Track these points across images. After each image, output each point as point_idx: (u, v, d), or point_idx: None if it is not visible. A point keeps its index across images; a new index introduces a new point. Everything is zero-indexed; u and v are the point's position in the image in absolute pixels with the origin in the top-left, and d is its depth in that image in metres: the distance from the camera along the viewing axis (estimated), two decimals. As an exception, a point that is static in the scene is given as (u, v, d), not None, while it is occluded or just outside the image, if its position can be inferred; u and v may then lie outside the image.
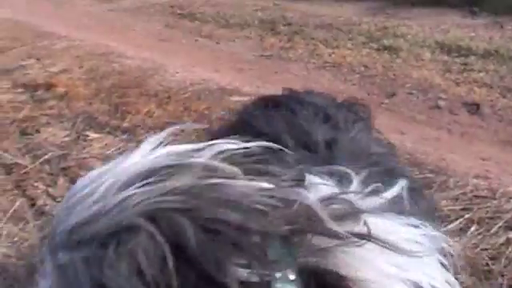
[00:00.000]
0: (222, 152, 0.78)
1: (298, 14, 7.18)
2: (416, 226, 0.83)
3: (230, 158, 0.78)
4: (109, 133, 3.93)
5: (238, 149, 0.80)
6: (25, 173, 3.44)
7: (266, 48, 5.99)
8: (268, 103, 1.52)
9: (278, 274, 0.67)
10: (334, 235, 0.71)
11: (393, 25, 6.62)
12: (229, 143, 0.81)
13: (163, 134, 0.91)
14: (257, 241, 0.68)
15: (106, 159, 3.50)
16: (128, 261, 0.66)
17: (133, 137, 3.81)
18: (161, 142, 0.88)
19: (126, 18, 8.34)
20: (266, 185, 0.74)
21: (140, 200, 0.71)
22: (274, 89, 4.49)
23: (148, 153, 0.83)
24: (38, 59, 6.17)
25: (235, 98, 4.29)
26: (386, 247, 0.74)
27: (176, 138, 0.91)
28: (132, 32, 7.35)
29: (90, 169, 2.81)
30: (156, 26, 7.54)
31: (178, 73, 5.13)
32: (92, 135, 3.93)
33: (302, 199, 0.74)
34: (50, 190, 3.23)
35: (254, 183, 0.74)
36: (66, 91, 4.81)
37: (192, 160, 0.76)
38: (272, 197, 0.73)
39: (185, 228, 0.67)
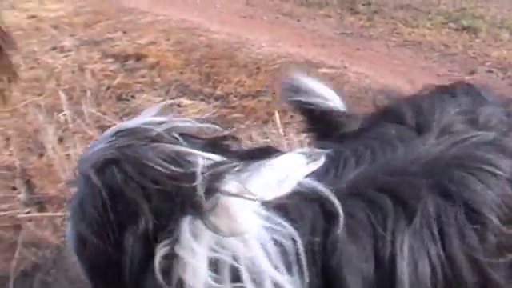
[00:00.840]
0: (174, 126, 1.03)
1: (376, -6, 7.26)
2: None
3: (175, 129, 1.01)
4: (202, 100, 4.16)
5: (190, 126, 1.05)
6: (124, 135, 3.70)
7: (346, 26, 6.11)
8: (444, 93, 1.53)
9: None
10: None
11: (471, 6, 6.65)
12: (185, 121, 1.04)
13: (157, 107, 1.15)
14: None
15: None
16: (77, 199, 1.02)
17: (226, 103, 4.02)
18: (152, 113, 1.12)
19: (206, -4, 8.58)
20: (181, 149, 0.99)
21: (100, 151, 1.02)
22: (358, 64, 4.68)
23: (133, 120, 1.09)
24: (124, 32, 6.47)
25: (323, 70, 4.47)
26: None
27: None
28: (213, 9, 7.57)
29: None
30: (236, 4, 7.74)
31: (263, 47, 5.33)
32: (186, 101, 4.17)
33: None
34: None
35: (175, 147, 1.01)
36: (157, 61, 5.07)
37: (143, 127, 1.02)
38: (176, 160, 0.99)
39: (114, 174, 0.97)
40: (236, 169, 0.98)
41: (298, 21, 6.50)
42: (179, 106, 4.10)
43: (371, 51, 5.22)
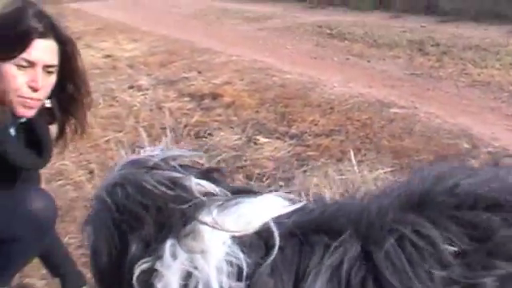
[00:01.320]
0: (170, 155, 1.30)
1: (445, 36, 7.38)
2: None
3: (171, 158, 1.28)
4: (278, 138, 4.36)
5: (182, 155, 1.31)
6: (203, 170, 3.90)
7: (415, 67, 6.25)
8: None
9: None
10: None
11: (539, 47, 6.72)
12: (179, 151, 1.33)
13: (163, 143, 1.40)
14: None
15: (277, 161, 3.95)
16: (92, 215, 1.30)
17: (301, 142, 4.21)
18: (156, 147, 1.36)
19: (276, 37, 8.89)
20: (175, 175, 1.24)
21: (110, 179, 1.29)
22: (428, 104, 4.80)
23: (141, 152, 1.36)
24: (199, 72, 6.79)
25: (394, 110, 4.62)
26: None
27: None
28: (285, 50, 7.86)
29: (264, 168, 3.27)
30: (307, 45, 8.01)
31: (335, 87, 5.53)
32: (262, 139, 4.37)
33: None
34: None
35: (170, 173, 1.24)
36: (233, 100, 5.31)
37: (144, 158, 1.30)
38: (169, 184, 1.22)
39: (119, 194, 1.23)
40: (217, 203, 1.20)
41: (368, 61, 6.68)
42: (255, 143, 4.30)
43: (441, 91, 5.32)
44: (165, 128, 4.58)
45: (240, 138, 4.42)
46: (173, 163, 1.28)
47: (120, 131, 4.70)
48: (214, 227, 1.15)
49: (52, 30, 1.97)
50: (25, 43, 1.91)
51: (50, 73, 2.00)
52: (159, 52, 8.40)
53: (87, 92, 2.18)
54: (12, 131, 2.11)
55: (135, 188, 1.23)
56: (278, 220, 1.18)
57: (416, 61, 6.49)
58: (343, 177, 3.19)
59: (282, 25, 9.98)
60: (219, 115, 4.99)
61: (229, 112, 5.04)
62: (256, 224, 1.17)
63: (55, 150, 2.33)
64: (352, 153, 3.58)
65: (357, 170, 3.17)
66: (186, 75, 6.71)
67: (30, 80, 1.94)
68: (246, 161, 3.97)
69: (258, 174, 3.68)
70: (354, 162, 3.30)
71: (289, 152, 4.08)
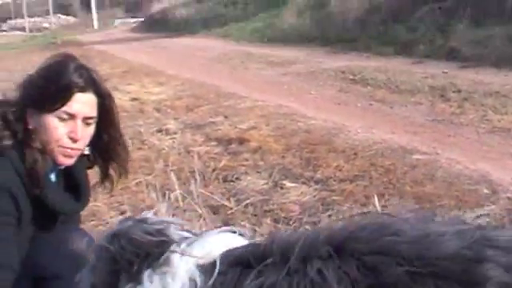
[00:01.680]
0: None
1: (466, 82, 7.53)
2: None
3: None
4: (303, 183, 4.50)
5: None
6: (231, 213, 4.00)
7: (437, 113, 6.39)
8: None
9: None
10: None
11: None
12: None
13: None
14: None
15: (303, 205, 4.10)
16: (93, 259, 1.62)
17: (326, 187, 4.35)
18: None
19: (300, 82, 9.11)
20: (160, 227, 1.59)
21: (114, 231, 1.60)
22: (449, 150, 4.94)
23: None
24: (225, 117, 7.00)
25: (416, 156, 4.76)
26: None
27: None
28: (309, 95, 8.06)
29: (291, 212, 3.43)
30: (330, 91, 8.21)
31: (359, 133, 5.69)
32: (288, 184, 4.52)
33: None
34: (257, 228, 3.71)
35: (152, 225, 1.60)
36: (259, 146, 5.49)
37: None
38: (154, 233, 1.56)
39: (114, 242, 1.54)
40: (187, 241, 1.53)
41: (391, 107, 6.85)
42: (282, 188, 4.45)
43: (462, 137, 5.45)
44: (193, 172, 4.74)
45: (267, 183, 4.56)
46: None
47: (150, 174, 4.85)
48: (182, 254, 1.47)
49: (92, 84, 2.10)
50: (66, 97, 2.04)
51: (88, 124, 2.13)
52: (185, 96, 8.64)
53: (122, 140, 2.33)
54: (52, 177, 2.22)
55: (126, 238, 1.55)
56: (230, 252, 1.48)
57: (438, 107, 6.63)
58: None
59: (305, 70, 10.22)
60: (246, 160, 5.14)
61: (255, 157, 5.20)
62: (214, 253, 1.47)
63: (103, 192, 2.52)
64: (376, 198, 3.73)
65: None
66: (212, 120, 6.91)
67: (70, 131, 2.07)
68: (273, 205, 4.10)
69: (285, 218, 3.81)
70: (378, 206, 3.43)
71: (314, 196, 4.22)
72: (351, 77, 8.88)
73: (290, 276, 1.31)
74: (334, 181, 4.44)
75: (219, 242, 1.54)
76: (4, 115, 2.09)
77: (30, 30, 44.84)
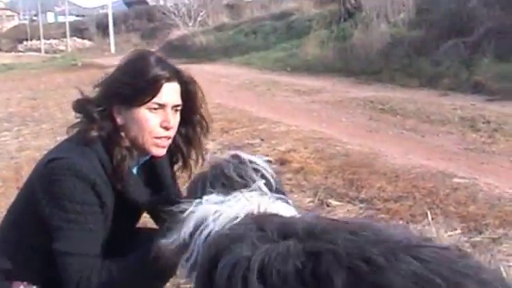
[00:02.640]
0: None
1: (494, 114, 7.75)
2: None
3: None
4: (348, 202, 4.73)
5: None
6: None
7: (468, 142, 6.62)
8: None
9: None
10: None
11: None
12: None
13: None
14: None
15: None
16: None
17: (371, 205, 4.58)
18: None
19: (329, 110, 9.37)
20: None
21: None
22: (485, 175, 5.17)
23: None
24: (262, 139, 7.24)
25: (456, 180, 4.99)
26: None
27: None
28: (340, 123, 8.31)
29: None
30: (360, 119, 8.46)
31: (396, 158, 5.93)
32: (334, 203, 4.76)
33: None
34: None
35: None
36: (301, 166, 5.73)
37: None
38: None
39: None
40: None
41: (423, 136, 7.09)
42: (328, 206, 4.69)
43: (495, 165, 5.66)
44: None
45: (312, 201, 4.80)
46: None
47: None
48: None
49: (176, 73, 2.17)
50: (156, 89, 2.09)
51: (176, 111, 2.19)
52: (218, 119, 8.84)
53: (207, 123, 2.35)
54: (134, 171, 2.26)
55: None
56: None
57: (468, 136, 6.86)
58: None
59: (333, 99, 10.48)
60: (289, 179, 5.36)
61: (298, 177, 5.43)
62: None
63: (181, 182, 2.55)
64: (429, 213, 3.96)
65: (433, 230, 3.52)
66: (249, 141, 7.16)
67: (163, 121, 2.13)
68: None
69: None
70: (430, 221, 3.66)
71: (361, 214, 4.45)
72: (380, 106, 9.12)
73: None
74: (379, 200, 4.67)
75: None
76: (90, 114, 2.15)
77: (46, 52, 45.42)
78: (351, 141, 6.90)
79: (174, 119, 2.18)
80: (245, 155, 1.97)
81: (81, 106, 2.20)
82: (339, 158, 6.04)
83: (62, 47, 46.67)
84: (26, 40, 56.10)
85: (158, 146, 2.18)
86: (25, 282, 2.23)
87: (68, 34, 48.50)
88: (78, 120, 2.20)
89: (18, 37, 58.77)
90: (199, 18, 35.24)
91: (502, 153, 6.10)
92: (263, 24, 24.43)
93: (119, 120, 2.14)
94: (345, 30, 17.06)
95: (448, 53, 11.64)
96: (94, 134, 2.10)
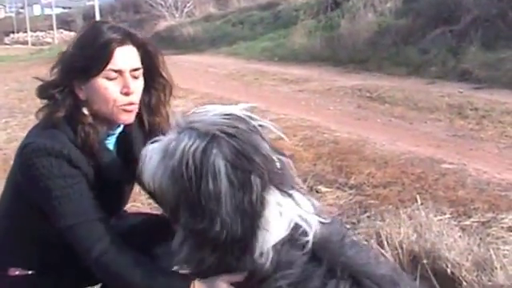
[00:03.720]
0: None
1: (482, 101, 7.76)
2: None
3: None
4: (338, 188, 4.74)
5: None
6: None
7: (456, 129, 6.65)
8: None
9: None
10: None
11: None
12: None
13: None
14: None
15: (341, 207, 4.34)
16: None
17: (360, 191, 4.59)
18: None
19: (317, 99, 9.34)
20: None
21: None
22: (473, 162, 5.19)
23: None
24: (252, 128, 7.22)
25: (445, 166, 5.01)
26: None
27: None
28: (327, 111, 8.31)
29: (330, 213, 3.60)
30: (348, 107, 8.46)
31: (384, 145, 5.94)
32: (323, 189, 4.76)
33: None
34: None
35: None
36: (290, 154, 5.71)
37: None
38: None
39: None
40: None
41: (411, 123, 7.10)
42: (317, 192, 4.68)
43: (483, 151, 5.68)
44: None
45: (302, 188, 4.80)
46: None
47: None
48: None
49: (129, 36, 2.08)
50: (107, 54, 2.01)
51: (136, 77, 2.10)
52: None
53: (171, 85, 2.25)
54: (110, 144, 2.22)
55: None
56: None
57: (457, 123, 6.89)
58: (412, 221, 3.52)
59: (320, 87, 10.45)
60: (278, 167, 5.36)
61: (287, 164, 5.42)
62: None
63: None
64: (418, 196, 3.97)
65: (423, 214, 3.51)
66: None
67: (122, 87, 2.05)
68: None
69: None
70: (419, 205, 3.66)
71: (350, 200, 4.47)
72: (368, 94, 9.12)
73: None
74: (368, 186, 4.68)
75: None
76: (51, 96, 2.10)
77: (33, 44, 45.06)
78: (339, 128, 6.91)
79: (135, 84, 2.10)
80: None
81: (43, 90, 2.14)
82: (328, 145, 6.05)
83: (48, 39, 46.23)
84: (13, 33, 55.57)
85: (123, 111, 2.10)
86: (19, 268, 2.22)
87: (55, 26, 48.08)
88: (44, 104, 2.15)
89: (4, 29, 58.18)
90: (186, 9, 35.08)
91: (489, 139, 6.13)
92: (250, 14, 24.33)
93: (81, 95, 2.08)
94: (332, 19, 17.01)
95: (435, 41, 11.63)
96: (59, 115, 2.05)
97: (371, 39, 13.73)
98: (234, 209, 1.55)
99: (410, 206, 3.87)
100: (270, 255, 1.59)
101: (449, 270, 2.94)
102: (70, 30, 50.39)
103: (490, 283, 2.82)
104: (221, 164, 1.56)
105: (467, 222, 3.74)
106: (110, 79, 2.04)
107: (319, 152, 5.75)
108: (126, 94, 2.07)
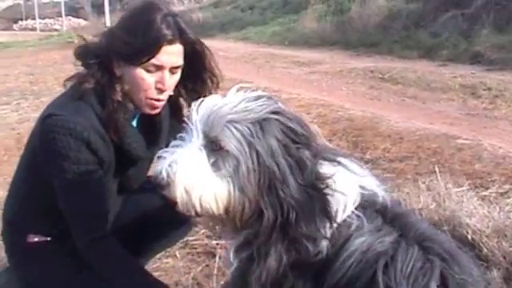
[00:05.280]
0: None
1: (494, 81, 7.76)
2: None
3: None
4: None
5: None
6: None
7: (470, 108, 6.67)
8: None
9: None
10: None
11: None
12: None
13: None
14: None
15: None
16: None
17: (376, 166, 4.61)
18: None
19: (329, 80, 9.36)
20: None
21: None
22: (488, 138, 5.20)
23: None
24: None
25: (461, 141, 5.03)
26: None
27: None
28: (340, 91, 8.32)
29: None
30: (361, 88, 8.47)
31: (398, 122, 5.96)
32: (340, 164, 4.79)
33: None
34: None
35: None
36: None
37: None
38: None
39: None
40: None
41: (424, 103, 7.11)
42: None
43: (497, 129, 5.69)
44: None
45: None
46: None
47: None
48: None
49: (179, 34, 2.05)
50: (154, 51, 2.01)
51: (174, 73, 2.11)
52: (219, 90, 8.85)
53: (217, 79, 2.25)
54: (134, 122, 2.24)
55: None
56: None
57: (470, 103, 6.91)
58: (430, 192, 3.55)
59: (332, 69, 10.46)
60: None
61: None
62: None
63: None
64: (437, 168, 3.99)
65: (442, 184, 3.54)
66: (249, 109, 7.15)
67: (157, 81, 2.07)
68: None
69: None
70: (438, 176, 3.68)
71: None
72: (380, 76, 9.13)
73: None
74: (384, 161, 4.71)
75: None
76: (88, 65, 2.10)
77: (42, 31, 45.01)
78: (353, 107, 6.93)
79: (171, 80, 2.11)
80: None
81: (82, 54, 2.15)
82: (342, 122, 6.07)
83: (57, 26, 46.22)
84: (21, 20, 55.51)
85: (150, 106, 2.14)
86: (38, 235, 2.27)
87: (63, 13, 48.01)
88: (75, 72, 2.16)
89: (12, 17, 58.10)
90: (194, -5, 35.01)
91: (503, 118, 6.14)
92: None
93: (117, 72, 2.10)
94: (342, 3, 16.96)
95: (446, 24, 11.61)
96: (88, 86, 2.07)
97: (382, 23, 13.71)
98: (299, 186, 1.47)
99: (428, 177, 3.89)
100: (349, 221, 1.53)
101: (469, 237, 2.96)
102: (79, 17, 50.38)
103: (510, 249, 2.85)
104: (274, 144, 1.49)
105: (485, 193, 3.76)
106: (149, 71, 2.05)
107: (334, 128, 5.78)
108: (159, 90, 2.09)
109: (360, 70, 9.83)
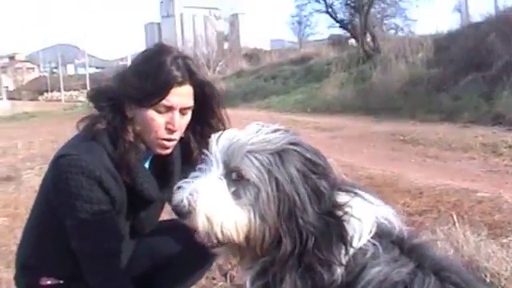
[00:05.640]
0: None
1: (515, 139, 7.78)
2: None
3: None
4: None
5: None
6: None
7: (491, 165, 6.64)
8: None
9: None
10: None
11: None
12: None
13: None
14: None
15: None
16: None
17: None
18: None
19: (350, 143, 9.42)
20: None
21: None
22: (509, 192, 5.17)
23: None
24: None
25: (481, 194, 5.02)
26: None
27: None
28: (361, 153, 8.36)
29: None
30: (382, 150, 8.50)
31: (418, 178, 5.97)
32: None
33: None
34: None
35: None
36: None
37: None
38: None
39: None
40: None
41: (445, 162, 7.11)
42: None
43: (520, 184, 5.68)
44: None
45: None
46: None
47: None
48: None
49: (189, 76, 2.11)
50: (164, 93, 2.06)
51: (185, 114, 2.16)
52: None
53: (224, 126, 2.26)
54: (146, 165, 2.28)
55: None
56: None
57: (491, 161, 6.89)
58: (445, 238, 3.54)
59: (353, 133, 10.55)
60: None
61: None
62: None
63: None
64: (455, 215, 3.98)
65: (460, 231, 3.53)
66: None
67: (167, 122, 2.11)
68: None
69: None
70: (457, 224, 3.67)
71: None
72: (401, 137, 9.18)
73: None
74: (403, 214, 4.67)
75: None
76: (101, 107, 2.16)
77: (66, 102, 45.98)
78: (374, 167, 6.95)
79: (181, 121, 2.15)
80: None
81: (96, 97, 2.23)
82: (362, 180, 6.08)
83: (81, 98, 47.44)
84: (47, 91, 56.89)
85: (161, 146, 2.18)
86: (51, 278, 2.30)
87: (88, 85, 49.28)
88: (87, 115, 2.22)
89: (38, 88, 59.57)
90: (218, 68, 35.75)
91: (525, 174, 6.10)
92: (282, 69, 24.75)
93: (129, 113, 2.15)
94: (364, 71, 17.23)
95: (467, 87, 11.69)
96: (101, 127, 2.12)
97: (403, 88, 13.84)
98: (316, 214, 1.51)
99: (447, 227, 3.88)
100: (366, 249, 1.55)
101: (488, 280, 2.94)
102: (104, 89, 51.52)
103: (530, 291, 2.82)
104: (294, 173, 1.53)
105: (504, 240, 3.74)
106: (160, 112, 2.10)
107: (355, 185, 5.78)
108: (169, 130, 2.13)
109: (381, 134, 9.89)
